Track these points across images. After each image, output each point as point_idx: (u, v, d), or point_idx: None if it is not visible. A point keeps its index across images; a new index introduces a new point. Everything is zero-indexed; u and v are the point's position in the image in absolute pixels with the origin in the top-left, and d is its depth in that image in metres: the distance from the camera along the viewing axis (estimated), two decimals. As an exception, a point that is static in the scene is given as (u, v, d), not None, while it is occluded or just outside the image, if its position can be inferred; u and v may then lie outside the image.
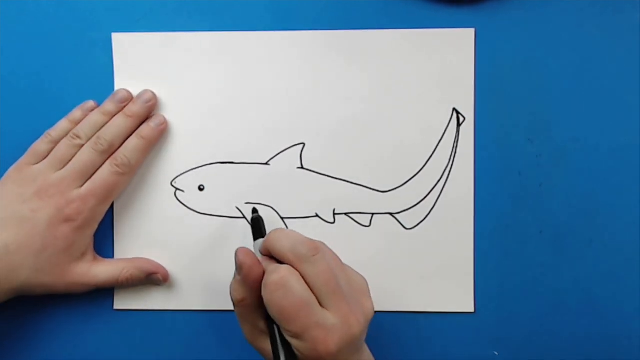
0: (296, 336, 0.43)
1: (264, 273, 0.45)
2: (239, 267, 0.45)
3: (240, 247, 0.45)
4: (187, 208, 0.53)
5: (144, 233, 0.53)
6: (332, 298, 0.43)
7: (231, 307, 0.53)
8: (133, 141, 0.51)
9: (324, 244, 0.45)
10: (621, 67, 0.52)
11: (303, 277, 0.43)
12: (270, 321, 0.45)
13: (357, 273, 0.47)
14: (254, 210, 0.51)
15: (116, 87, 0.53)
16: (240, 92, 0.53)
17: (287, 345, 0.44)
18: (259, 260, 0.45)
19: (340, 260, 0.46)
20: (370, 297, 0.46)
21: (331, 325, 0.42)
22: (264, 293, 0.44)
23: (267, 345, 0.46)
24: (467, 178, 0.53)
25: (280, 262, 0.45)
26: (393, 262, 0.53)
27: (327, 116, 0.53)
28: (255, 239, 0.49)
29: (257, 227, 0.49)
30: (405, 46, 0.52)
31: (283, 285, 0.43)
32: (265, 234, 0.49)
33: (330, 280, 0.43)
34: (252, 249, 0.47)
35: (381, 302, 0.53)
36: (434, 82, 0.52)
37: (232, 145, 0.53)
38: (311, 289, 0.43)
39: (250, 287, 0.45)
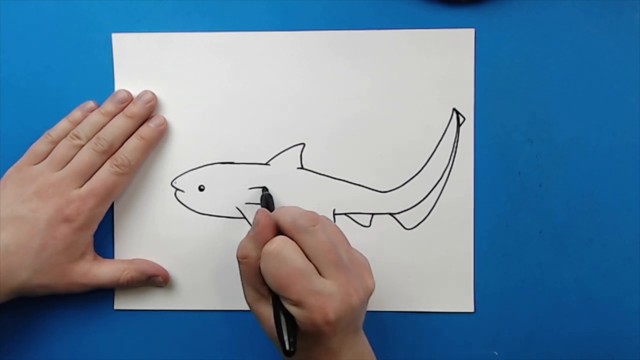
0: (294, 304, 0.43)
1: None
2: (254, 224, 0.46)
3: (262, 208, 0.47)
4: (187, 208, 0.53)
5: (144, 233, 0.53)
6: (331, 268, 0.44)
7: (231, 307, 0.53)
8: (133, 142, 0.51)
9: (327, 219, 0.47)
10: (621, 67, 0.52)
11: (303, 248, 0.44)
12: (272, 291, 0.45)
13: (360, 252, 0.47)
14: (264, 189, 0.52)
15: (116, 88, 0.53)
16: (240, 93, 0.53)
17: (288, 315, 0.44)
18: (275, 225, 0.46)
19: (344, 236, 0.47)
20: (371, 274, 0.47)
21: (329, 293, 0.43)
22: (262, 263, 0.45)
23: (265, 310, 0.46)
24: (467, 178, 0.53)
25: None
26: (393, 262, 0.53)
27: (327, 116, 0.53)
28: None
29: (267, 203, 0.51)
30: (405, 46, 0.52)
31: (277, 255, 0.44)
32: (274, 210, 0.50)
33: (330, 251, 0.44)
34: None
35: (381, 302, 0.53)
36: (434, 82, 0.52)
37: (232, 146, 0.53)
38: (310, 260, 0.44)
39: (257, 246, 0.45)
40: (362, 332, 0.47)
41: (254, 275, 0.46)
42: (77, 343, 0.54)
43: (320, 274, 0.44)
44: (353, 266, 0.45)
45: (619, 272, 0.53)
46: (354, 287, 0.44)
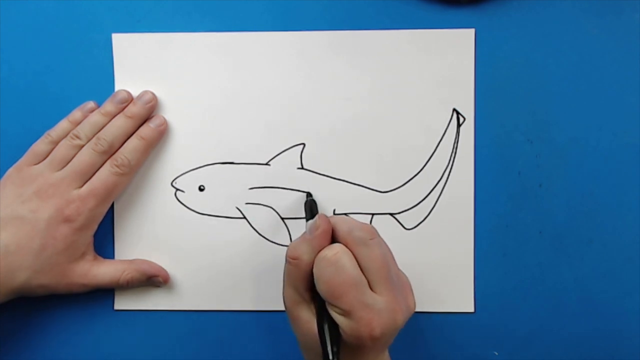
0: (343, 314, 0.43)
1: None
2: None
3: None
4: (188, 208, 0.53)
5: (144, 233, 0.53)
6: (383, 284, 0.44)
7: (231, 308, 0.53)
8: (133, 142, 0.51)
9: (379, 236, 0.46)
10: (621, 67, 0.52)
11: (357, 260, 0.44)
12: (319, 296, 0.44)
13: (403, 272, 0.47)
14: (309, 194, 0.52)
15: (116, 88, 0.53)
16: (240, 93, 0.53)
17: (332, 322, 0.44)
18: (331, 232, 0.45)
19: (392, 254, 0.46)
20: (413, 295, 0.47)
21: (378, 309, 0.43)
22: (316, 267, 0.44)
23: (304, 314, 0.46)
24: (467, 178, 0.53)
25: None
26: (393, 262, 0.53)
27: (327, 116, 0.53)
28: (307, 220, 0.49)
29: (311, 209, 0.50)
30: (405, 46, 0.52)
31: (335, 262, 0.43)
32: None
33: (384, 266, 0.44)
34: (299, 237, 0.47)
35: (381, 302, 0.53)
36: (434, 82, 0.52)
37: (232, 146, 0.53)
38: (364, 272, 0.44)
39: (313, 249, 0.45)
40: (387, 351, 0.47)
41: (300, 278, 0.45)
42: (77, 343, 0.54)
43: (370, 287, 0.44)
44: (399, 285, 0.45)
45: (619, 272, 0.53)
46: (400, 306, 0.44)
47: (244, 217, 0.53)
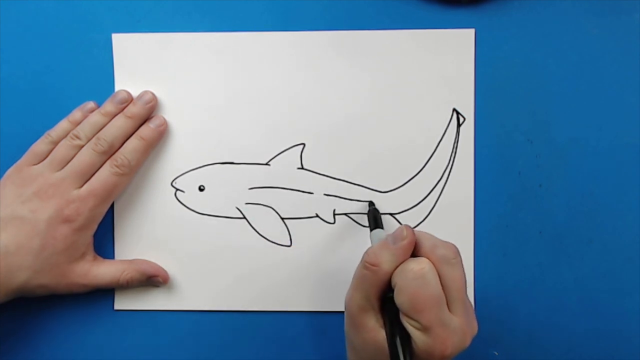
0: (421, 329, 0.42)
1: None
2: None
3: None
4: (187, 208, 0.53)
5: (144, 233, 0.53)
6: (460, 305, 0.43)
7: (231, 308, 0.53)
8: (133, 142, 0.51)
9: None
10: (621, 67, 0.52)
11: (439, 277, 0.43)
12: (393, 307, 0.43)
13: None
14: (371, 204, 0.52)
15: (116, 88, 0.53)
16: (240, 93, 0.53)
17: (404, 335, 0.43)
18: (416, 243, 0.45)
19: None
20: (476, 319, 0.46)
21: (453, 329, 0.42)
22: (399, 278, 0.43)
23: (370, 322, 0.44)
24: (467, 178, 0.53)
25: None
26: (393, 262, 0.53)
27: (327, 116, 0.53)
28: (372, 229, 0.49)
29: (375, 218, 0.50)
30: (405, 46, 0.52)
31: (422, 276, 0.42)
32: (382, 225, 0.49)
33: (462, 287, 0.43)
34: (371, 241, 0.46)
35: (381, 302, 0.53)
36: (434, 82, 0.52)
37: (232, 146, 0.53)
38: (444, 290, 0.43)
39: (395, 259, 0.43)
40: None
41: (375, 286, 0.44)
42: (77, 343, 0.54)
43: (447, 306, 0.43)
44: (469, 307, 0.45)
45: (619, 272, 0.53)
46: (469, 328, 0.44)
47: (244, 217, 0.53)
